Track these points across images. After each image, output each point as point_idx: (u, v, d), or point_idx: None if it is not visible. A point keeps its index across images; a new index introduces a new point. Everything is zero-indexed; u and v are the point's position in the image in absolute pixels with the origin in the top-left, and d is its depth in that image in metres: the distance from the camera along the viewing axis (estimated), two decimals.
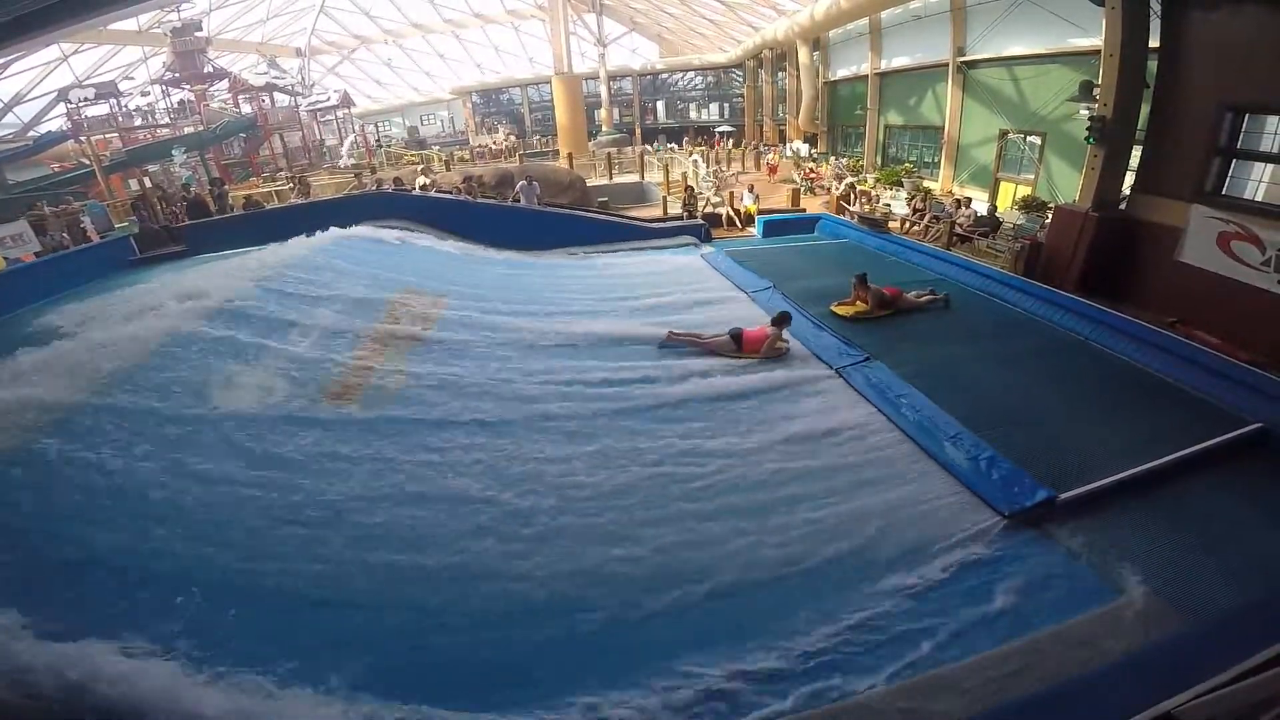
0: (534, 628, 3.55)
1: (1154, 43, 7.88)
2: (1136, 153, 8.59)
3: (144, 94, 27.01)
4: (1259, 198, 7.16)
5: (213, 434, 4.85)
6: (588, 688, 3.15)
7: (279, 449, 4.82)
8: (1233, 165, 7.36)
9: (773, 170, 21.26)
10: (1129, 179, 8.70)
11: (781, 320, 7.00)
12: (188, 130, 24.07)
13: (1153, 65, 8.04)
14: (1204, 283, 7.38)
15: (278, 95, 27.56)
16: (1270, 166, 7.08)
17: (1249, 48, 6.78)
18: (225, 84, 26.51)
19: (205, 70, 25.15)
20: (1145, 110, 8.33)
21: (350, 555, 3.90)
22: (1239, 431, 5.16)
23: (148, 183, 18.76)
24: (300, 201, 14.12)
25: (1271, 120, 6.99)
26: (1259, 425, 5.20)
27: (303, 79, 32.36)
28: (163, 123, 25.41)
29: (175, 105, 25.95)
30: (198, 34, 24.55)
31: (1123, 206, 8.58)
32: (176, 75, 24.83)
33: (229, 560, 3.73)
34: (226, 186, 16.25)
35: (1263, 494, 4.61)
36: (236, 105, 26.39)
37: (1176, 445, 4.94)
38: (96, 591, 3.39)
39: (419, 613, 3.58)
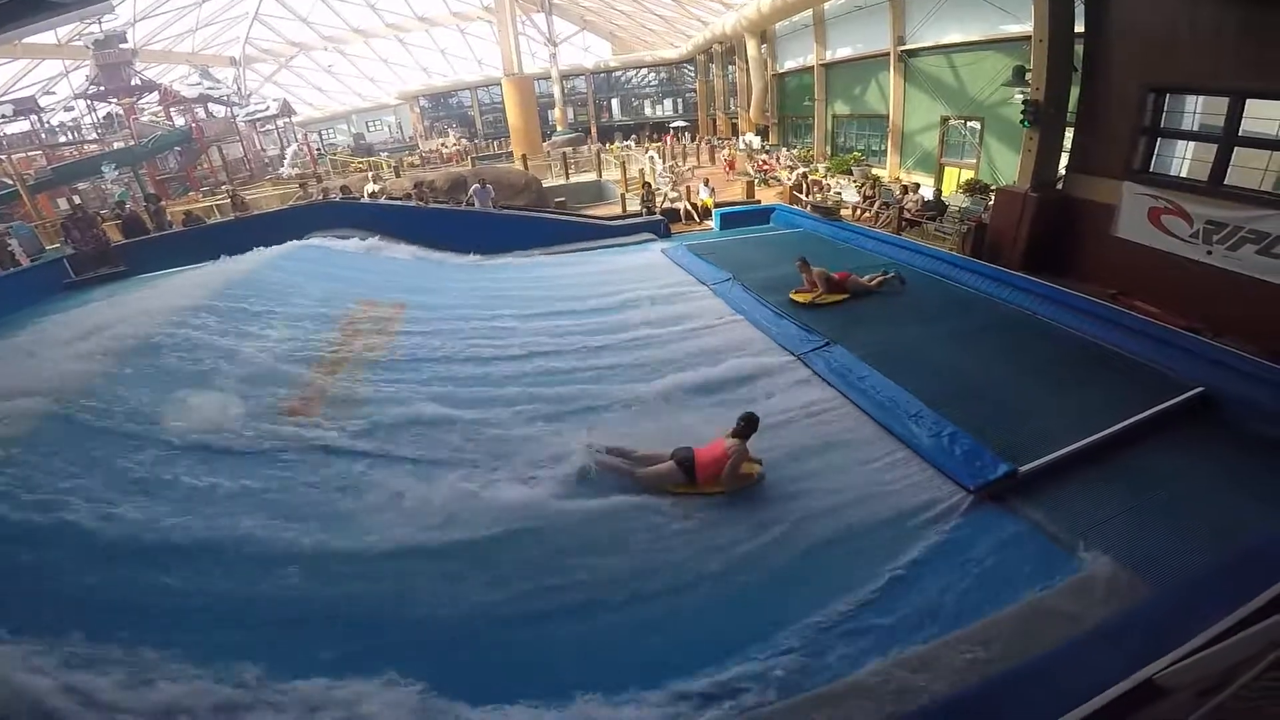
0: (513, 634, 3.51)
1: (1080, 27, 8.21)
2: (1070, 134, 8.95)
3: (68, 109, 25.66)
4: (1183, 174, 7.53)
5: (167, 456, 4.62)
6: (576, 690, 3.13)
7: (236, 466, 4.64)
8: (1158, 144, 7.72)
9: (731, 166, 21.35)
10: (1065, 159, 9.06)
11: (746, 428, 4.62)
12: (118, 145, 22.94)
13: (1081, 50, 8.38)
14: (1140, 256, 7.73)
15: (213, 106, 26.49)
16: (1192, 144, 7.47)
17: (1166, 30, 7.12)
18: (155, 96, 25.36)
19: (133, 83, 24.00)
20: (1076, 93, 8.68)
21: (315, 571, 3.77)
22: (1182, 396, 5.39)
23: (77, 201, 17.81)
24: (239, 216, 13.59)
25: (1190, 99, 7.38)
26: (1200, 389, 5.44)
27: (239, 89, 31.21)
28: (90, 138, 24.17)
29: (102, 120, 24.70)
30: (122, 46, 23.38)
31: (1060, 186, 8.93)
32: (102, 89, 23.62)
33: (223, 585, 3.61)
34: (163, 202, 15.57)
35: (1210, 455, 4.82)
36: (169, 118, 25.28)
37: (1125, 413, 5.12)
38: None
39: (401, 625, 3.50)
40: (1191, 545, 3.90)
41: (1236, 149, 6.75)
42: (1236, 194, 6.73)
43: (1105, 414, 5.12)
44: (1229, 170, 6.84)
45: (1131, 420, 5.06)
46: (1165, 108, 7.51)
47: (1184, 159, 7.58)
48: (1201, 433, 5.13)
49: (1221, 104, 6.77)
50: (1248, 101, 6.54)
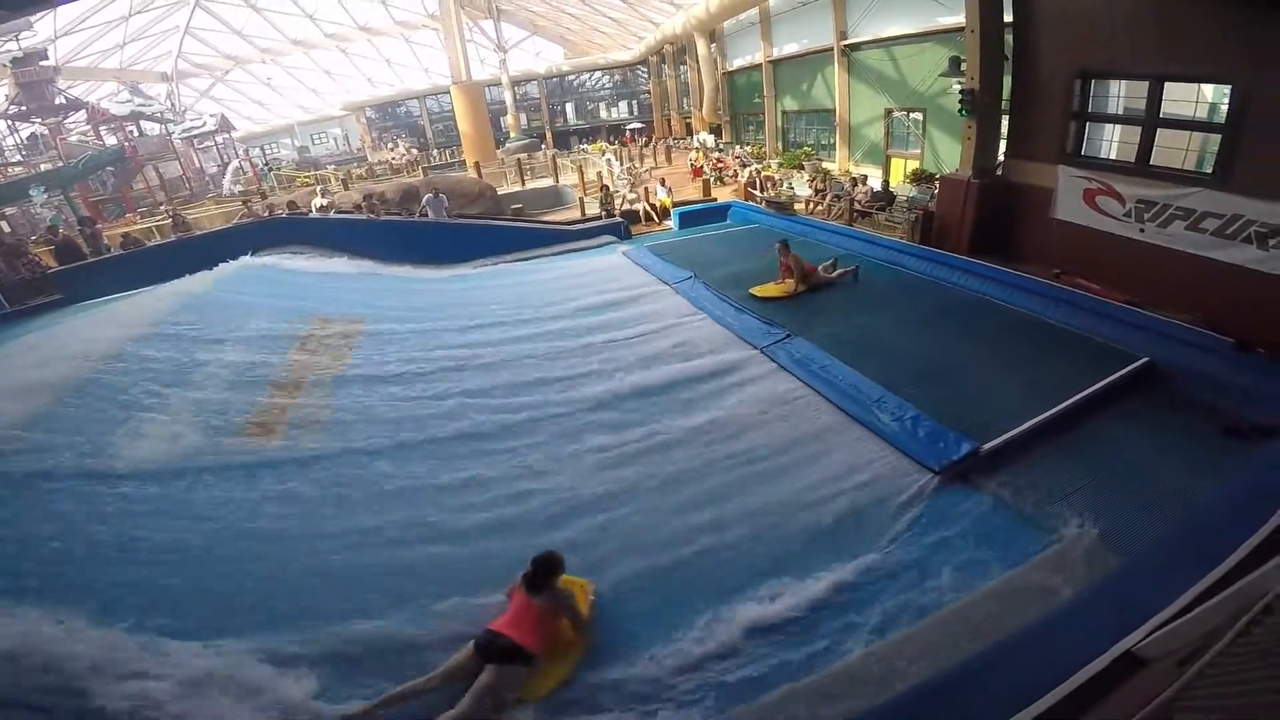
0: None
1: (1010, 17, 8.53)
2: (1007, 121, 9.28)
3: None
4: (1113, 156, 7.89)
5: (121, 489, 4.42)
6: None
7: (192, 494, 4.48)
8: (1087, 128, 8.07)
9: (697, 173, 21.02)
10: (1004, 146, 9.39)
11: (538, 574, 3.35)
12: (45, 167, 21.78)
13: (1011, 39, 8.70)
14: (1078, 236, 8.05)
15: (146, 124, 25.35)
16: (1119, 127, 7.84)
17: (1089, 17, 7.45)
18: (83, 115, 24.18)
19: (57, 101, 22.84)
20: (1010, 81, 9.02)
21: (282, 590, 3.69)
22: (1130, 367, 5.59)
23: (6, 228, 16.85)
24: (182, 237, 13.06)
25: (1114, 84, 7.74)
26: (1146, 359, 5.68)
27: (173, 105, 29.95)
28: (14, 160, 22.94)
29: (26, 140, 23.47)
30: (43, 63, 22.24)
31: (1000, 172, 9.25)
32: (24, 108, 22.43)
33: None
34: (99, 225, 14.83)
35: (1162, 423, 5.01)
36: (99, 137, 24.12)
37: (1078, 386, 5.28)
38: None
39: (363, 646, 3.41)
40: (1153, 513, 4.01)
41: (1159, 130, 7.10)
42: (1163, 173, 7.06)
43: (1059, 389, 5.28)
44: (1154, 151, 7.18)
45: (1085, 393, 5.23)
46: (1092, 92, 7.85)
47: (1113, 142, 7.93)
48: (1151, 400, 5.35)
49: (1143, 88, 7.12)
50: (1166, 85, 6.90)
